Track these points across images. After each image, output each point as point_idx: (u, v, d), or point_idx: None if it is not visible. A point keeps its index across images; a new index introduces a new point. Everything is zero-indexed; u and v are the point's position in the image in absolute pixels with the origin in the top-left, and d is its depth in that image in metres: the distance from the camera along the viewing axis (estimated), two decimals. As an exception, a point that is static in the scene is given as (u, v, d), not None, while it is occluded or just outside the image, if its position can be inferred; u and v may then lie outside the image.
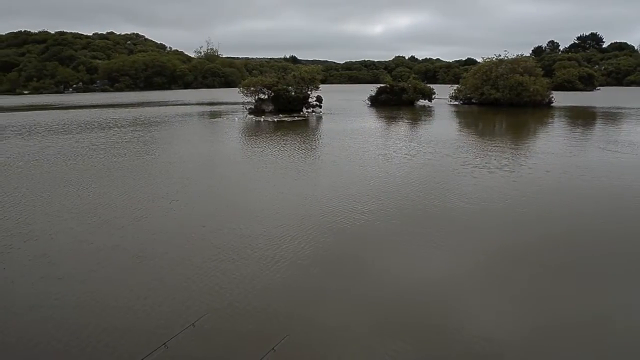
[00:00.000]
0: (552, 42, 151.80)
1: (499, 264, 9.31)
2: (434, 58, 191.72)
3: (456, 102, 58.35)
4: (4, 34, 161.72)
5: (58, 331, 6.95)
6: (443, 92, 58.86)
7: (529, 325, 7.11)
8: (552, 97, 53.28)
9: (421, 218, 12.09)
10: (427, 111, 48.51)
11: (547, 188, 14.99)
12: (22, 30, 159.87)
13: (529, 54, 72.41)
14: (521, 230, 11.11)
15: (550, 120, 39.03)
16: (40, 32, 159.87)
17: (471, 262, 9.38)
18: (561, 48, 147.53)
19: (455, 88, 60.18)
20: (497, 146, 23.79)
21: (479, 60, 65.25)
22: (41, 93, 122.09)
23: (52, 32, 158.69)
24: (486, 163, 18.95)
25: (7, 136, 30.88)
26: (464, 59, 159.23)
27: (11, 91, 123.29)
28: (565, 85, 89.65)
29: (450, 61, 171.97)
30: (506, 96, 51.16)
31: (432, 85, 61.32)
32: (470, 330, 6.95)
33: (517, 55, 55.71)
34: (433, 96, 56.72)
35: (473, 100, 56.13)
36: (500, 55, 55.62)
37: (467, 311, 7.55)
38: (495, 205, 12.99)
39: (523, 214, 12.24)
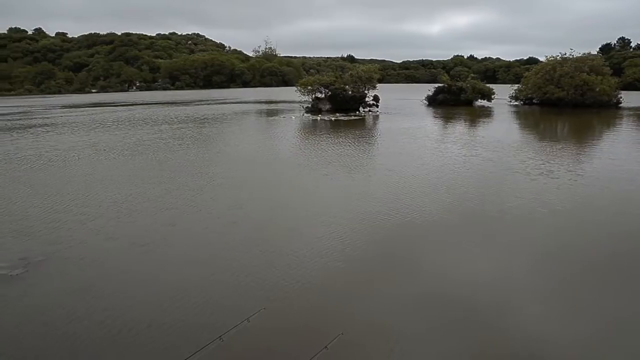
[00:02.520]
0: (622, 38, 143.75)
1: (545, 269, 9.13)
2: (494, 57, 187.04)
3: (516, 103, 56.72)
4: (76, 36, 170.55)
5: (115, 324, 7.24)
6: (503, 92, 57.32)
7: (578, 328, 7.07)
8: (621, 97, 50.90)
9: (466, 222, 11.89)
10: (486, 112, 47.43)
11: (588, 197, 13.95)
12: (93, 32, 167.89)
13: (596, 52, 68.87)
14: (558, 240, 10.83)
15: (618, 122, 37.21)
16: (108, 33, 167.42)
17: (519, 265, 9.30)
18: (633, 45, 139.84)
19: (515, 88, 58.50)
20: (554, 150, 22.82)
21: (542, 59, 63.03)
22: (107, 91, 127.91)
23: (119, 34, 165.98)
24: (529, 168, 18.21)
25: (62, 132, 32.73)
26: (525, 58, 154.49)
27: (81, 90, 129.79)
28: (637, 85, 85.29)
29: (511, 60, 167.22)
30: (570, 96, 49.26)
31: (491, 85, 59.83)
32: (523, 331, 6.95)
33: (583, 54, 53.47)
34: (492, 96, 55.41)
35: (534, 101, 54.37)
36: (564, 54, 53.54)
37: (519, 312, 7.52)
38: (530, 215, 12.40)
39: (561, 222, 11.82)
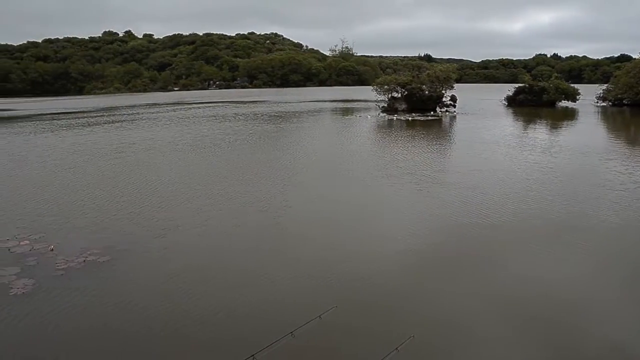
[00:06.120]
0: None
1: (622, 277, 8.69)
2: (580, 55, 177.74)
3: (603, 104, 53.53)
4: (161, 37, 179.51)
5: (193, 314, 7.52)
6: (589, 93, 54.09)
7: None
8: None
9: (542, 228, 11.46)
10: (570, 113, 45.23)
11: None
12: (176, 33, 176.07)
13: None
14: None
15: None
16: (190, 34, 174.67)
17: (596, 271, 9.11)
18: None
19: (603, 88, 55.22)
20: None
21: (635, 56, 59.15)
22: (188, 89, 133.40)
23: (201, 34, 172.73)
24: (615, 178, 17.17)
25: (131, 127, 34.90)
26: (615, 56, 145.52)
27: (164, 88, 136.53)
28: None
29: (599, 58, 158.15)
30: (666, 97, 45.88)
31: (576, 85, 56.91)
32: (603, 335, 6.84)
33: (683, 51, 49.56)
34: (577, 97, 52.66)
35: (624, 102, 51.11)
36: (661, 51, 49.95)
37: (596, 315, 7.38)
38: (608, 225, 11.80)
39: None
